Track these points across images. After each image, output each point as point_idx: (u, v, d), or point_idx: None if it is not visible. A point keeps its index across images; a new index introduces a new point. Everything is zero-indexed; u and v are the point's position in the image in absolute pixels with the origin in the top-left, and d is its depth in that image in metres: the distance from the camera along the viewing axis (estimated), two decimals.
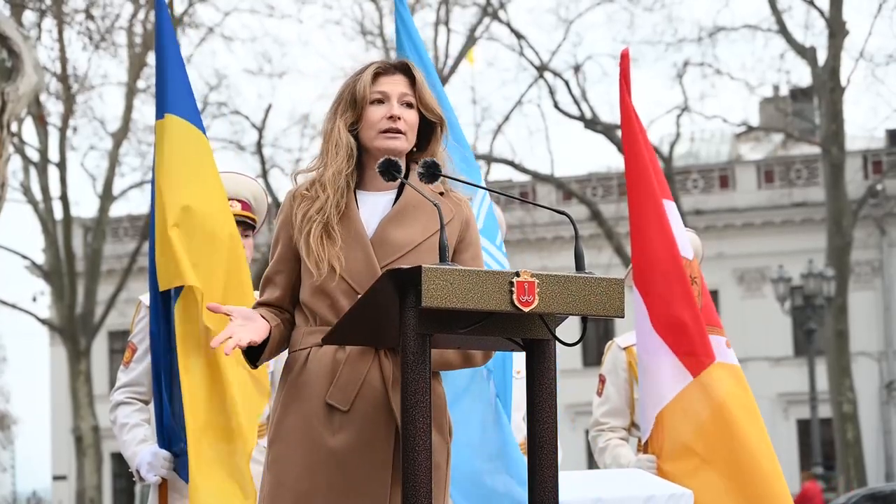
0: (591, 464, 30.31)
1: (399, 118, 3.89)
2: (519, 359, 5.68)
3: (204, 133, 5.20)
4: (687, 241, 5.89)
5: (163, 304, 5.08)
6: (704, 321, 5.77)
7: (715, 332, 5.82)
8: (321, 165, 3.93)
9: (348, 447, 3.72)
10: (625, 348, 6.07)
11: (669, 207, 5.86)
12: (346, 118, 3.91)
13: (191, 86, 5.28)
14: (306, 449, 3.77)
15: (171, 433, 5.06)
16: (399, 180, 3.79)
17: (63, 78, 27.11)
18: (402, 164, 3.86)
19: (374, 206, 3.92)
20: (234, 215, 5.23)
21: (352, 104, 3.91)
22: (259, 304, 3.94)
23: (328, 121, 3.95)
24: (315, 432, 3.77)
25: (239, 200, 5.28)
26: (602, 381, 6.13)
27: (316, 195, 3.88)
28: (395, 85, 3.92)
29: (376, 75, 3.94)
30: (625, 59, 5.90)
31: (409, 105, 3.92)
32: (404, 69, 3.96)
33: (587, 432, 6.31)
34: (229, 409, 4.92)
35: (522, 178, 35.62)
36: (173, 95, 5.17)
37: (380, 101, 3.91)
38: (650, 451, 5.80)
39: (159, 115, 5.16)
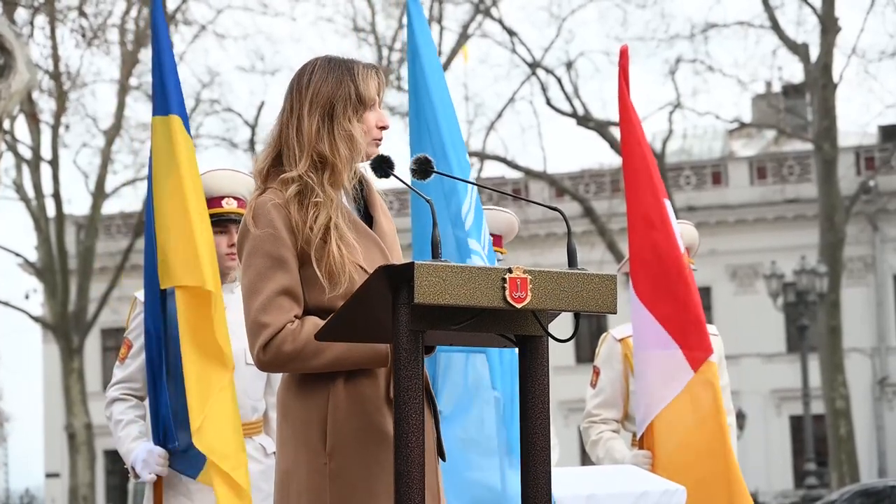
0: (585, 460, 30.32)
1: (387, 128, 3.88)
2: None
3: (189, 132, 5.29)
4: (679, 237, 5.92)
5: (160, 300, 5.10)
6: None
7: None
8: (313, 168, 3.79)
9: None
10: (620, 340, 6.07)
11: (667, 205, 5.90)
12: (356, 119, 3.80)
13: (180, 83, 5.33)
14: (378, 450, 3.73)
15: (166, 430, 5.07)
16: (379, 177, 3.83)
17: (55, 75, 27.11)
18: None
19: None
20: (230, 212, 5.25)
21: (359, 104, 3.81)
22: (295, 318, 3.75)
23: (325, 118, 3.78)
24: (382, 429, 3.74)
25: (235, 198, 5.29)
26: (596, 372, 6.12)
27: (324, 199, 3.75)
28: (376, 90, 3.88)
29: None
30: (624, 56, 5.91)
31: None
32: (377, 73, 3.92)
33: (580, 429, 6.31)
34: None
35: (515, 174, 35.63)
36: (176, 95, 5.21)
37: (372, 107, 3.86)
38: (646, 446, 5.81)
39: (161, 112, 5.20)
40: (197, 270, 5.00)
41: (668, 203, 5.91)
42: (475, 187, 5.52)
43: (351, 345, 3.68)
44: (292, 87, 3.85)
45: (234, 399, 5.02)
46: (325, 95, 3.80)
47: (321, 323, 3.70)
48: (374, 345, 3.71)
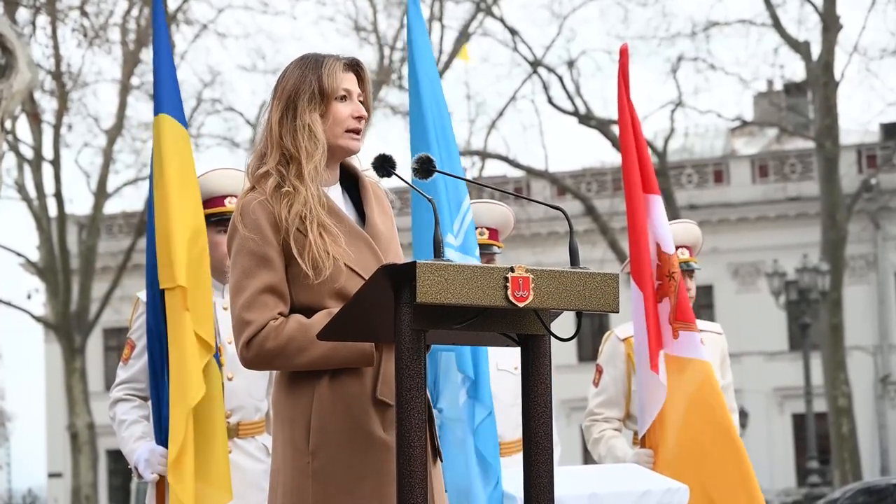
0: (587, 459, 30.33)
1: (363, 118, 3.88)
2: (515, 354, 5.69)
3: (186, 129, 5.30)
4: (669, 236, 5.92)
5: (160, 300, 5.10)
6: (677, 317, 5.83)
7: (688, 328, 5.85)
8: (283, 161, 3.82)
9: None
10: (623, 339, 6.08)
11: (653, 202, 5.91)
12: (317, 112, 3.84)
13: (178, 83, 5.35)
14: (363, 450, 3.72)
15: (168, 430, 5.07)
16: (357, 175, 3.89)
17: (57, 75, 27.11)
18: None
19: (334, 200, 3.88)
20: (232, 211, 5.25)
21: (320, 98, 3.84)
22: (280, 315, 3.75)
23: (287, 112, 3.83)
24: (369, 430, 3.73)
25: (237, 197, 5.28)
26: (599, 371, 6.14)
27: (293, 191, 3.78)
28: (353, 82, 3.90)
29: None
30: (624, 55, 5.92)
31: (362, 103, 3.91)
32: (356, 66, 3.93)
33: (582, 427, 6.33)
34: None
35: (517, 173, 35.60)
36: (168, 95, 5.23)
37: (343, 98, 3.87)
38: (648, 444, 5.81)
39: (155, 111, 5.23)
40: (167, 270, 5.02)
41: (654, 199, 5.92)
42: (469, 207, 5.51)
43: (336, 343, 3.68)
44: (273, 89, 3.93)
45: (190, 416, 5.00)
46: (288, 91, 3.86)
47: (305, 320, 3.72)
48: (359, 343, 3.71)
